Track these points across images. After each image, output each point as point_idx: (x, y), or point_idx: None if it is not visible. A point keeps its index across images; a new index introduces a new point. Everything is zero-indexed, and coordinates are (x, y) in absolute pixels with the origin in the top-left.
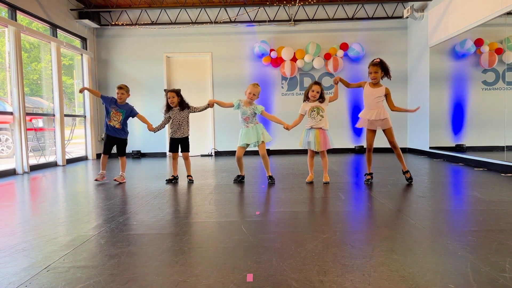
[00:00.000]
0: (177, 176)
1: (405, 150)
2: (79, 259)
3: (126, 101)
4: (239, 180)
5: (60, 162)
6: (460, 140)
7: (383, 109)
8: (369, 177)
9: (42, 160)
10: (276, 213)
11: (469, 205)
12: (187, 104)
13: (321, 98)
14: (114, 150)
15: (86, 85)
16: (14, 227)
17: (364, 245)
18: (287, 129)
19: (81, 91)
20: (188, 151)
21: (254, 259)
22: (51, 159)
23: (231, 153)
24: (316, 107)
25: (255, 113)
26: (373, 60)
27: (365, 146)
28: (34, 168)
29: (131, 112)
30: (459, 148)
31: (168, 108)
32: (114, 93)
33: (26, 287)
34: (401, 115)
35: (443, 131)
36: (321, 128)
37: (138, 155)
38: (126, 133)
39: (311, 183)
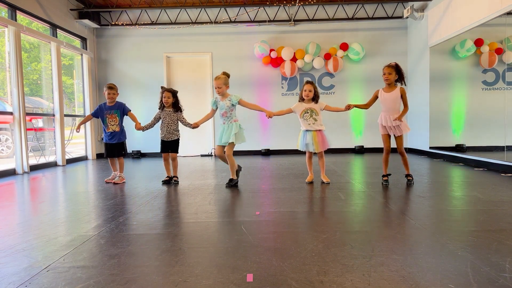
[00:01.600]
0: (171, 176)
1: (405, 150)
2: (79, 259)
3: (116, 100)
4: (233, 184)
5: (60, 162)
6: (460, 140)
7: (394, 114)
8: (386, 178)
9: (42, 160)
10: (276, 213)
11: (469, 205)
12: (180, 107)
13: (315, 98)
14: None
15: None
16: (14, 227)
17: (364, 245)
18: (269, 117)
19: (78, 130)
20: (177, 152)
21: (254, 259)
22: (51, 159)
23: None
24: (310, 109)
25: (233, 106)
26: (389, 63)
27: (365, 146)
28: (34, 168)
29: (124, 110)
30: (459, 148)
31: (162, 106)
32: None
33: (26, 287)
34: None
35: (443, 131)
36: (317, 129)
37: (138, 155)
38: (125, 136)
39: (311, 183)
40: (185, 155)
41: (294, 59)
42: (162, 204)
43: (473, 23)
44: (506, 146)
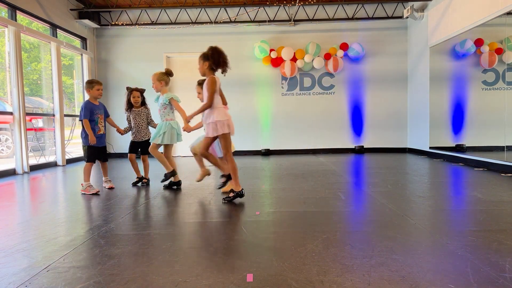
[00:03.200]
0: (141, 176)
1: (405, 150)
2: (79, 259)
3: None
4: (167, 179)
5: (60, 162)
6: (460, 140)
7: (209, 111)
8: (224, 179)
9: (42, 160)
10: (276, 213)
11: (469, 205)
12: (146, 105)
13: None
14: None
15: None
16: (14, 227)
17: (364, 245)
18: (184, 130)
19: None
20: (148, 154)
21: (254, 259)
22: (51, 159)
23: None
24: None
25: (165, 104)
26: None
27: (365, 146)
28: (34, 168)
29: (106, 111)
30: (459, 148)
31: (130, 106)
32: (112, 93)
33: (26, 287)
34: (400, 114)
35: (443, 131)
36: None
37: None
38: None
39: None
40: (185, 155)
41: (294, 59)
42: (162, 204)
43: (473, 23)
44: (506, 146)
